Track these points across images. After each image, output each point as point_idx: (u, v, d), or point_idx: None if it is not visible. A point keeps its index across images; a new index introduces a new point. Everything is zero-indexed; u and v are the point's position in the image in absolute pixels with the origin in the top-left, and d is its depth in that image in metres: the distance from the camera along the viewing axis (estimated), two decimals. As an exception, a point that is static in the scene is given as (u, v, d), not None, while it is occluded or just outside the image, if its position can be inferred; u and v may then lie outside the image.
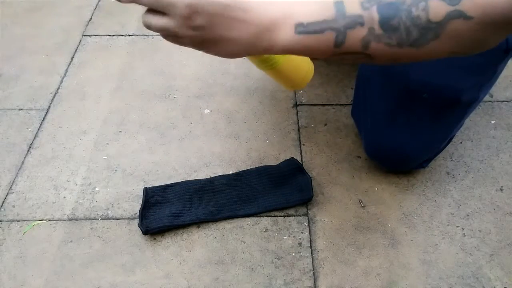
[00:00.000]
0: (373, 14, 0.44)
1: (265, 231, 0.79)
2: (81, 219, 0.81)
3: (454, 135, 0.87)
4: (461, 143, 0.93)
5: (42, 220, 0.81)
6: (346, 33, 0.45)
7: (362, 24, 0.45)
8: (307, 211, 0.82)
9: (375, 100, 0.80)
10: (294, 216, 0.81)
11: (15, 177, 0.88)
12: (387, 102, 0.78)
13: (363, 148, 0.87)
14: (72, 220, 0.81)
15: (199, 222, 0.79)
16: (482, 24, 0.44)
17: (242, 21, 0.45)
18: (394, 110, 0.78)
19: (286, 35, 0.45)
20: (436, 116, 0.76)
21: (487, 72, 0.75)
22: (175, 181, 0.86)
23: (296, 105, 1.03)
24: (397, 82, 0.76)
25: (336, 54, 0.47)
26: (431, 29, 0.45)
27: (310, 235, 0.78)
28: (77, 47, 1.20)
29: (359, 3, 0.45)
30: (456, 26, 0.44)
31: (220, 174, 0.87)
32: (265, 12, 0.45)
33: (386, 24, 0.45)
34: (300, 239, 0.78)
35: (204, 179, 0.86)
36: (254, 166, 0.88)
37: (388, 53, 0.47)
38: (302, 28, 0.45)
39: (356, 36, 0.45)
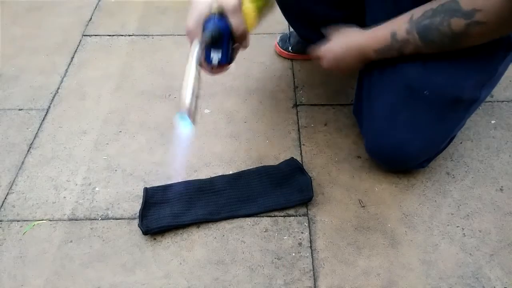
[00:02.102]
0: (415, 35, 0.69)
1: (265, 231, 0.79)
2: (81, 219, 0.81)
3: (455, 135, 0.87)
4: (461, 143, 0.93)
5: (42, 220, 0.81)
6: (401, 50, 0.72)
7: (409, 44, 0.70)
8: (307, 211, 0.82)
9: (376, 98, 0.80)
10: (294, 216, 0.81)
11: (15, 177, 0.88)
12: (388, 100, 0.78)
13: (364, 146, 0.87)
14: (72, 220, 0.81)
15: (199, 222, 0.79)
16: (497, 23, 0.62)
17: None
18: (396, 108, 0.78)
19: (370, 55, 0.77)
20: (438, 115, 0.76)
21: (488, 71, 0.75)
22: (175, 181, 0.86)
23: (296, 105, 1.03)
24: (399, 80, 0.76)
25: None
26: (458, 36, 0.65)
27: (310, 235, 0.78)
28: (77, 47, 1.20)
29: (405, 29, 0.69)
30: (477, 29, 0.63)
31: (220, 174, 0.87)
32: (357, 51, 0.78)
33: (424, 40, 0.69)
34: (300, 239, 0.78)
35: (204, 179, 0.86)
36: (254, 166, 0.88)
37: (437, 51, 0.71)
38: (377, 53, 0.75)
39: (408, 50, 0.72)
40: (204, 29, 0.59)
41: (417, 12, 0.68)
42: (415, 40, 0.69)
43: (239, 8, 0.63)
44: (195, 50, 0.56)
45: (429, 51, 0.71)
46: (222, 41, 0.60)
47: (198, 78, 0.55)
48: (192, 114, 0.55)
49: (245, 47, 0.68)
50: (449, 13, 0.64)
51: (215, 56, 0.60)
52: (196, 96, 0.55)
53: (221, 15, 0.60)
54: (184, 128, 0.56)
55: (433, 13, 0.66)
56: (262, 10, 0.72)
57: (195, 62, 0.56)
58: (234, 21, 0.62)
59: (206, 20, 0.59)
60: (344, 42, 0.80)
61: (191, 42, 0.61)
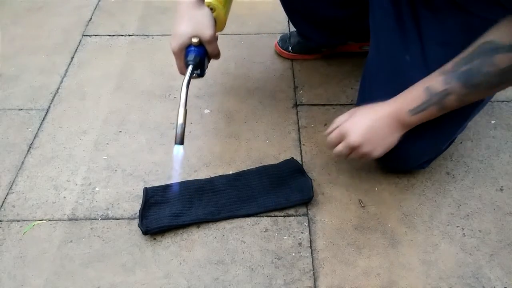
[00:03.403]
0: (455, 84, 0.64)
1: (265, 231, 0.79)
2: (81, 219, 0.81)
3: (456, 137, 0.87)
4: (461, 143, 0.93)
5: (42, 220, 0.81)
6: (442, 103, 0.67)
7: (450, 94, 0.65)
8: (307, 211, 0.82)
9: (379, 98, 0.80)
10: (294, 216, 0.81)
11: (15, 177, 0.88)
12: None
13: None
14: (72, 220, 0.81)
15: (199, 222, 0.79)
16: None
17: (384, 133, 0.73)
18: None
19: (406, 119, 0.70)
20: (440, 116, 0.76)
21: None
22: (175, 181, 0.85)
23: (296, 105, 1.03)
24: (401, 80, 0.76)
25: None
26: (507, 71, 0.61)
27: (310, 235, 0.78)
28: (77, 47, 1.20)
29: (441, 81, 0.65)
30: None
31: (220, 174, 0.87)
32: (389, 118, 0.71)
33: (470, 86, 0.64)
34: (300, 239, 0.78)
35: (204, 179, 0.86)
36: (254, 166, 0.88)
37: (484, 95, 0.70)
38: (413, 112, 0.69)
39: (450, 101, 0.66)
40: (187, 54, 0.77)
41: (448, 65, 0.66)
42: (455, 89, 0.64)
43: (213, 37, 0.77)
44: (184, 89, 0.72)
45: (474, 97, 0.67)
46: (201, 64, 0.78)
47: (186, 110, 0.71)
48: (183, 137, 0.70)
49: (218, 59, 0.83)
50: (489, 54, 0.61)
51: (195, 72, 0.78)
52: (185, 120, 0.70)
53: (200, 44, 0.77)
54: (178, 150, 0.71)
55: (468, 60, 0.63)
56: (229, 8, 0.85)
57: (184, 99, 0.72)
58: (210, 48, 0.78)
59: (188, 50, 0.77)
60: (370, 112, 0.73)
61: (176, 59, 0.79)
